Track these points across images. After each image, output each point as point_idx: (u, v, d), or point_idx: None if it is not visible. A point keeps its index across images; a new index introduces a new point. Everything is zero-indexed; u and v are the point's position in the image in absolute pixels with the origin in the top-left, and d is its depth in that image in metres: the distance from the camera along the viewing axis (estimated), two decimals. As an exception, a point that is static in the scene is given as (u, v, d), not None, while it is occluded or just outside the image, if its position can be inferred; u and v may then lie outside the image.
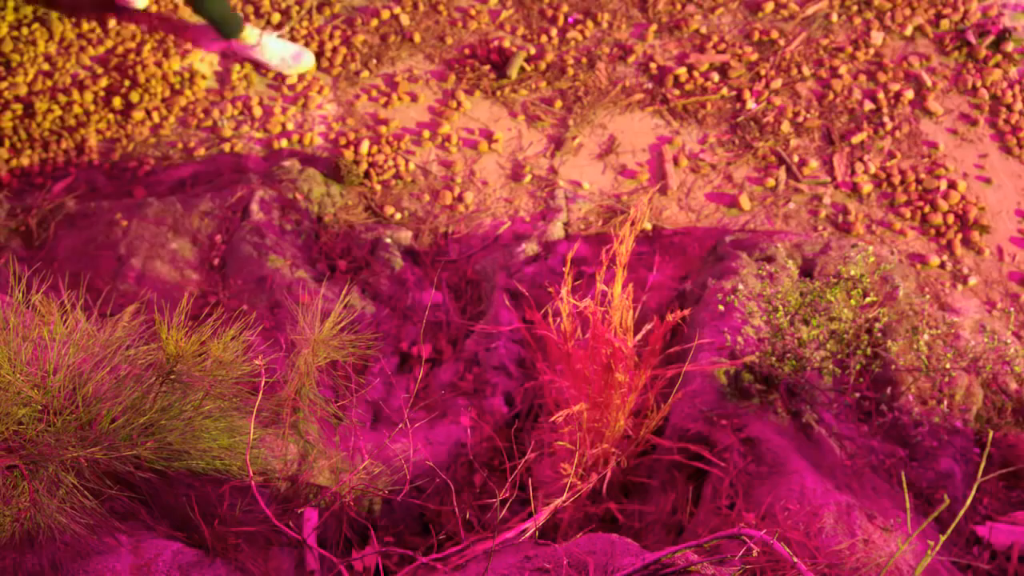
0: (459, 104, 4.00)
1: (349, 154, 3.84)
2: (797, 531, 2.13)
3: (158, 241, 3.37)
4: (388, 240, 3.50)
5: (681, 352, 2.80)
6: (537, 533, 1.96)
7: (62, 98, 3.96)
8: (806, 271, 3.23)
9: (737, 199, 3.73)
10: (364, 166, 3.82)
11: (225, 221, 3.47)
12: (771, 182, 3.77)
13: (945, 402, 2.85)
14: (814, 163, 3.83)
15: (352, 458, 2.26)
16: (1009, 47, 4.09)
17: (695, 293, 3.17)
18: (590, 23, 4.26)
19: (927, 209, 3.68)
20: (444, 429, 2.86)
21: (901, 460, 2.68)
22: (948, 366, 2.82)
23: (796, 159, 3.85)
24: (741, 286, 2.93)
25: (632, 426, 2.46)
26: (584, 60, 4.15)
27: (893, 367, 2.86)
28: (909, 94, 3.98)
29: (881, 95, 3.98)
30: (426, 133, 3.93)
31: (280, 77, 4.08)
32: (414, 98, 4.04)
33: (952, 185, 3.73)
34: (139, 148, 3.88)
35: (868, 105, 3.97)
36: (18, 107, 3.93)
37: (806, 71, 4.08)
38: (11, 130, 3.87)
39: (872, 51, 4.15)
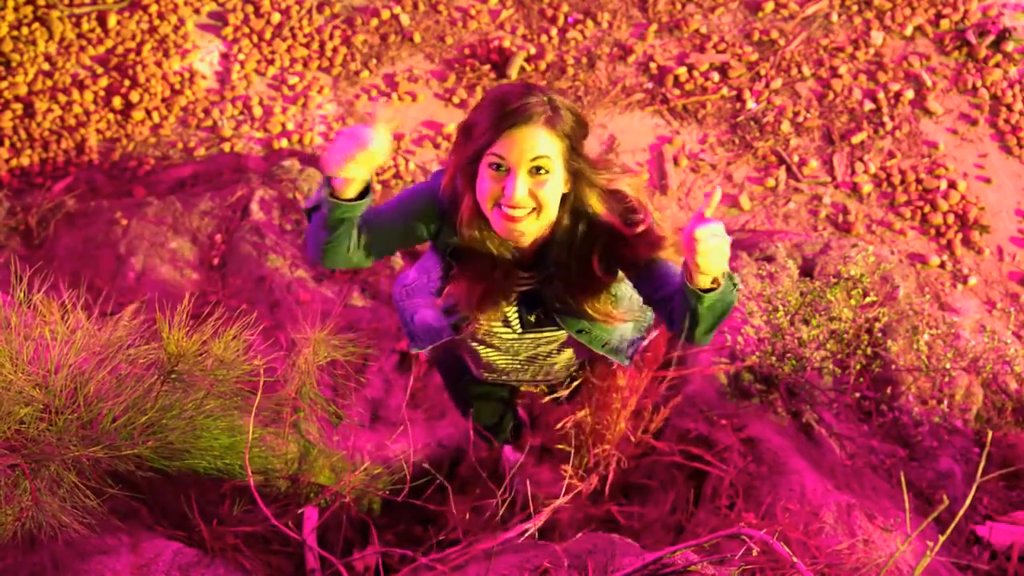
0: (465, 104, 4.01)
1: (349, 154, 3.83)
2: (797, 531, 2.13)
3: (158, 240, 3.37)
4: (388, 240, 3.50)
5: (682, 353, 2.80)
6: (537, 533, 1.96)
7: (62, 98, 3.96)
8: (806, 271, 3.23)
9: (737, 199, 3.73)
10: (364, 166, 3.81)
11: (225, 221, 3.47)
12: (771, 182, 3.78)
13: (945, 402, 2.85)
14: (814, 163, 3.83)
15: (352, 457, 2.26)
16: (1009, 47, 4.09)
17: (695, 293, 3.17)
18: (590, 23, 4.27)
19: (927, 209, 3.68)
20: (444, 430, 2.86)
21: (901, 460, 2.68)
22: (948, 366, 2.82)
23: (796, 159, 3.85)
24: (741, 286, 2.93)
25: (633, 427, 2.45)
26: (584, 60, 4.15)
27: (893, 367, 2.86)
28: (909, 94, 3.98)
29: (881, 95, 3.98)
30: (426, 132, 3.94)
31: (280, 77, 4.08)
32: (414, 98, 4.04)
33: (952, 185, 3.73)
34: (139, 148, 3.88)
35: (868, 105, 3.97)
36: (18, 107, 3.93)
37: (806, 71, 4.08)
38: (11, 130, 3.87)
39: (872, 51, 4.15)
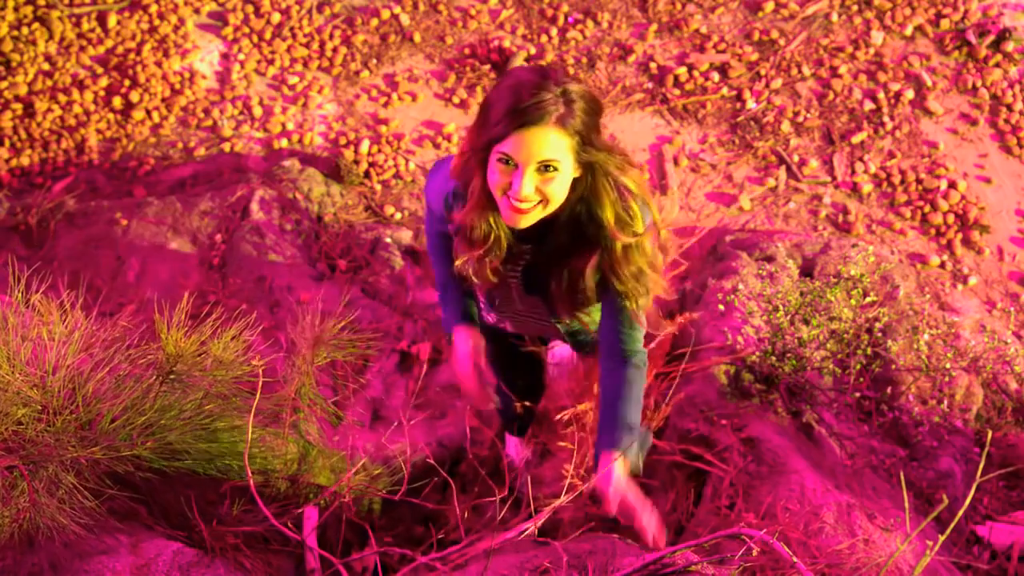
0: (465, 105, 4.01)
1: (349, 154, 3.84)
2: (797, 531, 2.13)
3: (158, 240, 3.37)
4: (388, 240, 3.50)
5: (683, 353, 2.80)
6: (537, 533, 1.96)
7: (62, 98, 3.96)
8: (806, 271, 3.23)
9: (737, 199, 3.73)
10: (364, 166, 3.81)
11: (225, 221, 3.47)
12: (771, 182, 3.77)
13: (945, 402, 2.85)
14: (814, 163, 3.83)
15: (352, 457, 2.26)
16: (1009, 47, 4.09)
17: (695, 293, 3.17)
18: (590, 23, 4.26)
19: (927, 209, 3.68)
20: (445, 430, 2.86)
21: (901, 460, 2.68)
22: (948, 366, 2.82)
23: (796, 159, 3.84)
24: (741, 286, 2.93)
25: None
26: (584, 60, 4.15)
27: (893, 367, 2.86)
28: (909, 94, 3.98)
29: (881, 95, 3.98)
30: (426, 132, 3.94)
31: (280, 77, 4.08)
32: (414, 98, 4.04)
33: (952, 185, 3.73)
34: (139, 148, 3.88)
35: (868, 105, 3.97)
36: (18, 107, 3.92)
37: (806, 71, 4.08)
38: (11, 130, 3.87)
39: (872, 51, 4.15)
